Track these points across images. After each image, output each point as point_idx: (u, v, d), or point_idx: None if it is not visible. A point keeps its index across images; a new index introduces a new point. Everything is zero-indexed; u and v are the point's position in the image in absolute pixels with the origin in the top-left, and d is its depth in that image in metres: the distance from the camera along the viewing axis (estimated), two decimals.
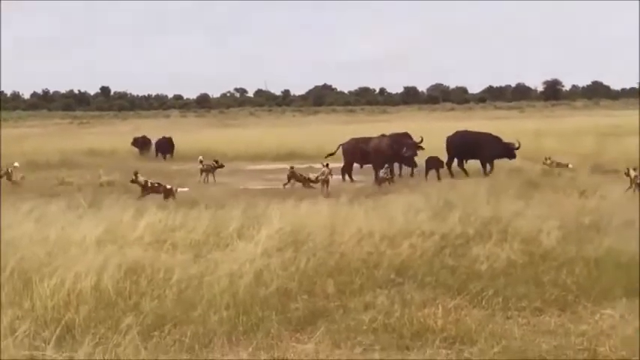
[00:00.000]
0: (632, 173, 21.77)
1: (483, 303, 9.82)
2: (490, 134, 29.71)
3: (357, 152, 28.13)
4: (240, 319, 9.04)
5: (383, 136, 28.68)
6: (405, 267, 11.35)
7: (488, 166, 28.78)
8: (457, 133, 30.10)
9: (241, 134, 53.00)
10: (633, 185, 21.36)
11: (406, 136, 29.55)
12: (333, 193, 21.00)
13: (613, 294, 10.05)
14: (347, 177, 28.03)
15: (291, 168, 25.43)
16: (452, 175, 28.06)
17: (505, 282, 10.57)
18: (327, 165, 23.91)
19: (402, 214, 14.78)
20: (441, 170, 27.34)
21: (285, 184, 24.58)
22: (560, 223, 13.85)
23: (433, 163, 27.48)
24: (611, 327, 8.84)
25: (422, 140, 27.88)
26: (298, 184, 24.58)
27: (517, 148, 28.68)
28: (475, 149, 28.95)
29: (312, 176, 24.66)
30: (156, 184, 21.81)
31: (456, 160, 29.30)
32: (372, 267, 11.36)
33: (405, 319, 9.02)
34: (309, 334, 8.80)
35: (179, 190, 21.87)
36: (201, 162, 28.75)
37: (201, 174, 28.30)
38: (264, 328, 8.85)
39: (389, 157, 27.15)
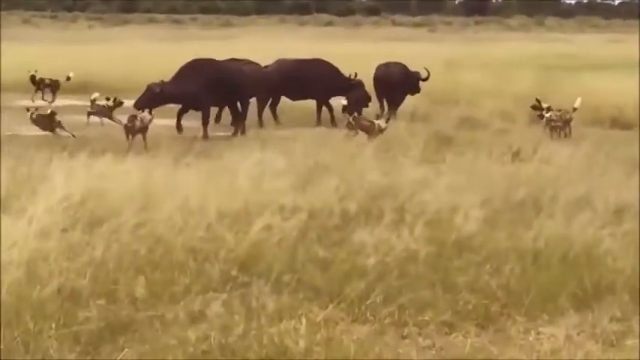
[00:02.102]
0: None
1: (368, 315, 9.98)
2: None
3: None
4: (2, 335, 8.92)
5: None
6: (254, 260, 11.40)
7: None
8: (387, 64, 30.76)
9: (10, 51, 51.92)
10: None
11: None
12: (151, 148, 20.86)
13: (557, 304, 10.33)
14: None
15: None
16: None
17: (401, 284, 10.73)
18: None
19: (252, 181, 14.75)
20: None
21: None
22: (484, 199, 14.07)
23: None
24: (553, 352, 9.09)
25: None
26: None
27: (425, 79, 29.95)
28: (397, 86, 30.01)
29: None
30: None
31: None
32: (203, 259, 11.38)
33: (251, 339, 9.06)
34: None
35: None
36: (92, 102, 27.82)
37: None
38: (39, 349, 8.75)
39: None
